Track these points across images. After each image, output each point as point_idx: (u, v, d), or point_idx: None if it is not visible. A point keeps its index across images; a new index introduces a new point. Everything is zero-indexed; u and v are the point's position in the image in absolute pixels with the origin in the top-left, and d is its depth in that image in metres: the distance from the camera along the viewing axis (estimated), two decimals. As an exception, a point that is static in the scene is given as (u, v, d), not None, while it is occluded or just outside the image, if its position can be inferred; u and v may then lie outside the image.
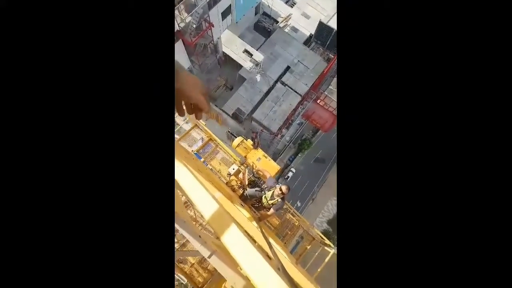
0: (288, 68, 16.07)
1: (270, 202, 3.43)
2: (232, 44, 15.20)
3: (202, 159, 4.96)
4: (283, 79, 15.80)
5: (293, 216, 5.57)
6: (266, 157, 4.29)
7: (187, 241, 4.05)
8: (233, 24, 15.03)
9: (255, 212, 3.88)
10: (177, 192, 1.40)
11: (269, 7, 17.09)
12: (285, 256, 2.20)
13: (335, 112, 16.43)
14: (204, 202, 0.96)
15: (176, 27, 11.13)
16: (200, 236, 1.21)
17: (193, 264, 4.79)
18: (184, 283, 4.61)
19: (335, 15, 17.41)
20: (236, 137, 4.62)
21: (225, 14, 13.33)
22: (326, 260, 4.43)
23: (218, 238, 0.94)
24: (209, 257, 1.19)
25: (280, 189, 3.23)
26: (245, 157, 4.32)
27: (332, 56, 16.83)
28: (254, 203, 3.90)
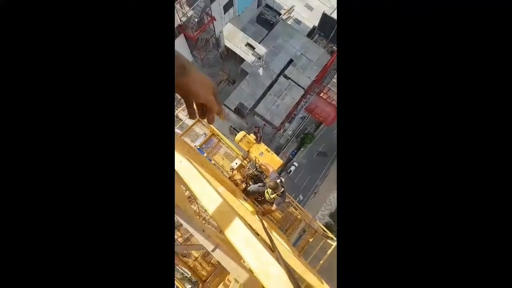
0: (291, 61, 15.87)
1: (272, 196, 3.45)
2: (234, 38, 15.04)
3: (205, 154, 4.98)
4: (286, 72, 15.64)
5: (296, 209, 5.61)
6: (269, 151, 4.29)
7: (191, 235, 4.11)
8: (235, 17, 14.85)
9: (257, 206, 3.92)
10: (180, 186, 1.42)
11: (271, -1, 16.85)
12: (287, 249, 2.23)
13: (338, 106, 16.24)
14: (207, 197, 0.97)
15: (178, 22, 11.02)
16: (204, 230, 1.23)
17: (197, 258, 4.87)
18: (188, 276, 4.69)
19: (339, 7, 17.01)
20: (238, 132, 4.62)
21: (227, 7, 13.16)
22: (329, 252, 4.48)
23: (221, 231, 0.96)
24: (213, 250, 1.21)
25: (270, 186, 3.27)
26: (248, 151, 4.33)
27: (336, 49, 16.59)
28: (257, 197, 3.93)
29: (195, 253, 4.82)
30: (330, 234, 5.00)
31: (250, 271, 1.24)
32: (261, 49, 14.88)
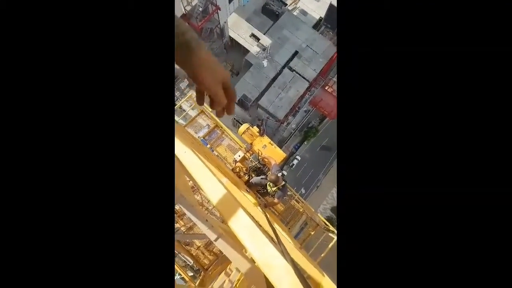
0: (296, 53, 15.63)
1: (274, 189, 3.48)
2: (239, 28, 14.82)
3: (208, 146, 5.00)
4: (291, 64, 15.44)
5: (298, 202, 5.64)
6: (272, 144, 4.29)
7: (194, 224, 4.18)
8: (240, 7, 14.58)
9: (260, 198, 3.95)
10: (184, 177, 1.42)
11: (277, -12, 16.48)
12: (289, 241, 2.24)
13: (343, 99, 16.08)
14: (211, 187, 0.97)
15: (182, 11, 10.87)
16: (207, 220, 1.24)
17: (199, 247, 4.96)
18: (190, 264, 4.80)
19: (347, -3, 16.61)
20: (242, 124, 4.61)
21: (232, -4, 12.94)
22: (330, 245, 4.52)
23: (224, 221, 0.96)
24: (216, 240, 1.23)
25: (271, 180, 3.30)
26: (251, 144, 4.33)
27: (342, 41, 16.26)
28: (259, 190, 3.95)
29: (197, 242, 4.92)
30: (331, 228, 5.04)
31: (251, 261, 1.26)
32: (266, 40, 14.67)
